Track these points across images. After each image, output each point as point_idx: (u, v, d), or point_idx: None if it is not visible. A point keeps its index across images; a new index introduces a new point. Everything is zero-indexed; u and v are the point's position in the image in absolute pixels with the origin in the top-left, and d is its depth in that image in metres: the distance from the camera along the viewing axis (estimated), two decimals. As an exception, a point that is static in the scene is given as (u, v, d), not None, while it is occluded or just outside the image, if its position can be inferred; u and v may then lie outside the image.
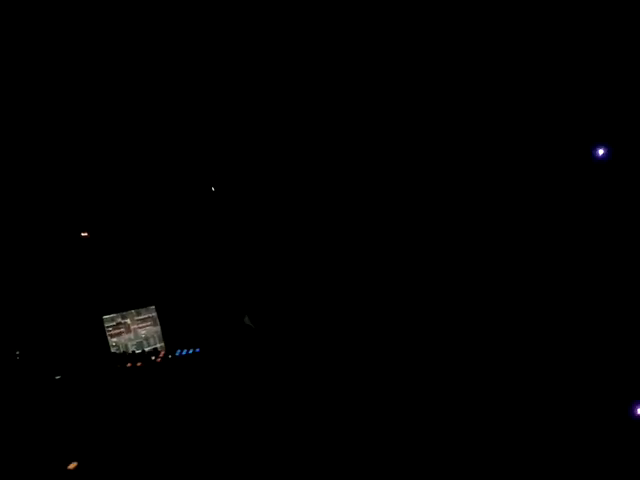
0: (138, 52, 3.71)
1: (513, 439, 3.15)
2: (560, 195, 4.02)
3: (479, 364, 3.76)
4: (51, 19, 3.37)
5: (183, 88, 4.10)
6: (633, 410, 3.21)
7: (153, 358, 4.27)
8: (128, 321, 4.41)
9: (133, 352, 4.28)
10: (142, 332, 4.47)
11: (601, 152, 3.73)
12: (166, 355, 4.35)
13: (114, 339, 4.29)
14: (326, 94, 4.25)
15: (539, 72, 3.95)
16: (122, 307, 4.52)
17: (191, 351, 4.46)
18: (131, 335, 4.39)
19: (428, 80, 4.12)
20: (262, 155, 4.70)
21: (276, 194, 4.78)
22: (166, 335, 4.60)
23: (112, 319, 4.33)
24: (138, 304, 4.66)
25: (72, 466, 3.25)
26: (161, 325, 4.60)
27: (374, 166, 4.35)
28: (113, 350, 4.25)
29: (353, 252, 4.38)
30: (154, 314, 4.59)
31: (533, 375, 3.60)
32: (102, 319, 4.27)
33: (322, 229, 4.48)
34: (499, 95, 4.06)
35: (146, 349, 4.39)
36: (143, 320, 4.51)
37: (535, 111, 4.04)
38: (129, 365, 4.17)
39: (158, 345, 4.51)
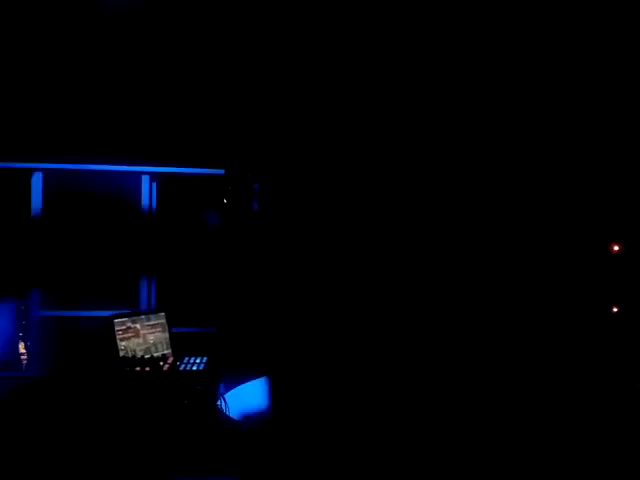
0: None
1: (509, 439, 3.18)
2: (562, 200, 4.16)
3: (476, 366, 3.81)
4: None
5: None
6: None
7: (161, 364, 4.29)
8: (138, 326, 4.44)
9: (142, 357, 4.30)
10: (151, 338, 4.50)
11: None
12: (174, 362, 4.38)
13: (123, 343, 4.31)
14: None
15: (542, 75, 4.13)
16: (133, 312, 4.57)
17: (199, 359, 4.50)
18: (140, 340, 4.42)
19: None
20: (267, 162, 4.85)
21: (277, 198, 4.90)
22: (174, 342, 4.63)
23: (122, 323, 4.36)
24: (149, 310, 4.71)
25: None
26: (169, 332, 4.64)
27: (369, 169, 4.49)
28: (122, 354, 4.27)
29: (352, 254, 4.47)
30: (164, 321, 4.63)
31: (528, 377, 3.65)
32: (113, 322, 4.30)
33: (320, 230, 4.60)
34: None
35: (154, 354, 4.41)
36: (152, 326, 4.54)
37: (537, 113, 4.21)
38: (138, 369, 4.18)
39: (166, 351, 4.54)
